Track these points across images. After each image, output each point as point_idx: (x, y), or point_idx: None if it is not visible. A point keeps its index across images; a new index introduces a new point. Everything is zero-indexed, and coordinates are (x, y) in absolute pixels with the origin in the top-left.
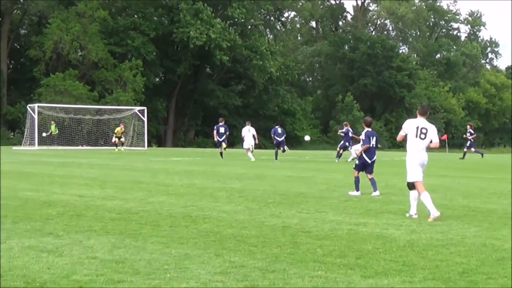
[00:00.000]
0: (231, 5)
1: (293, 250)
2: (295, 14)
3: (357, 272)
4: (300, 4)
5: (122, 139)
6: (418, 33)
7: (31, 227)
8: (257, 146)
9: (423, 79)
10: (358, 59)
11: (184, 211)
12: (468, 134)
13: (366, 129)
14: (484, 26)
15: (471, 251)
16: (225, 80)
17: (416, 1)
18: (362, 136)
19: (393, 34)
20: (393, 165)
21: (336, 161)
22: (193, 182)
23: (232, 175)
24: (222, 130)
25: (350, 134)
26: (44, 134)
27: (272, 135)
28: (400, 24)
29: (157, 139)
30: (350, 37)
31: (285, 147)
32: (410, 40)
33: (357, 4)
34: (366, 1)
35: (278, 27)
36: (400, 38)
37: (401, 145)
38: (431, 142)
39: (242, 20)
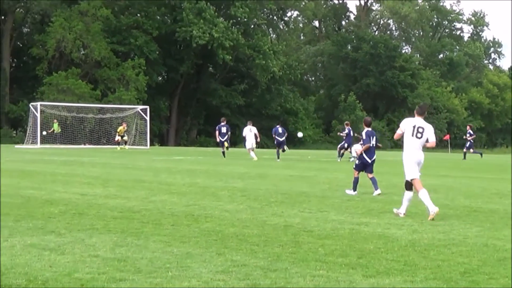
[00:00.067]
0: (234, 4)
1: (294, 249)
2: (298, 13)
3: (359, 271)
4: (303, 3)
5: (125, 138)
6: (421, 33)
7: (33, 225)
8: (259, 146)
9: (425, 79)
10: (361, 59)
11: (186, 210)
12: (467, 135)
13: (366, 128)
14: (487, 26)
15: (473, 251)
16: (228, 79)
17: (419, 1)
18: (363, 136)
19: (396, 34)
20: (395, 165)
21: (338, 160)
22: (195, 181)
23: (234, 174)
24: (224, 130)
25: (351, 134)
26: (44, 133)
27: (273, 135)
28: (403, 24)
29: (159, 138)
30: (353, 36)
31: (285, 147)
32: (413, 40)
33: (360, 3)
34: (369, 1)
35: (281, 27)
36: (403, 38)
37: (403, 145)
38: (427, 141)
39: (245, 20)
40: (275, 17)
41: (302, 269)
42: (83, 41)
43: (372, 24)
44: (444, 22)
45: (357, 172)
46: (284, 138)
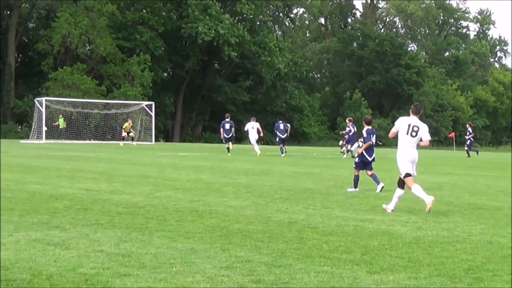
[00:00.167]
0: (240, 1)
1: (299, 245)
2: (304, 10)
3: (363, 268)
4: (309, 0)
5: (131, 134)
6: (427, 31)
7: (38, 220)
8: (264, 142)
9: (431, 77)
10: (367, 56)
11: (190, 206)
12: (467, 133)
13: (366, 127)
14: (493, 24)
15: (477, 248)
16: (233, 75)
17: None
18: (363, 134)
19: (402, 31)
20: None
21: (344, 157)
22: (200, 177)
23: (239, 171)
24: (227, 126)
25: (355, 130)
26: (45, 128)
27: (275, 130)
28: (409, 21)
29: (164, 134)
30: (358, 34)
31: (284, 149)
32: (419, 37)
33: (366, 1)
34: None
35: (287, 24)
36: (409, 36)
37: None
38: (421, 140)
39: (251, 16)
40: (281, 14)
41: (307, 265)
42: (88, 36)
43: (378, 21)
44: (450, 20)
45: (357, 170)
46: (286, 135)
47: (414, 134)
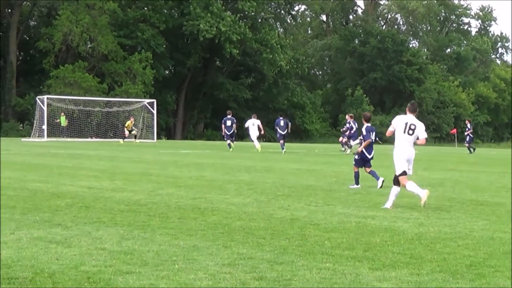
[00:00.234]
0: None
1: (301, 242)
2: (306, 7)
3: (365, 264)
4: None
5: (134, 132)
6: (429, 27)
7: (40, 218)
8: (266, 139)
9: (433, 74)
10: (368, 53)
11: (193, 203)
12: (466, 130)
13: (366, 124)
14: (495, 21)
15: (479, 244)
16: (235, 73)
17: None
18: (363, 132)
19: (404, 28)
20: None
21: (348, 152)
22: (202, 175)
23: (241, 168)
24: (228, 123)
25: (356, 126)
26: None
27: (275, 127)
28: (410, 18)
29: (166, 132)
30: (360, 31)
31: (283, 147)
32: (421, 34)
33: None
34: None
35: (289, 21)
36: (411, 33)
37: None
38: (417, 139)
39: (252, 13)
40: (282, 11)
41: (309, 262)
42: (90, 34)
43: (380, 18)
44: (451, 17)
45: (357, 167)
46: (286, 132)
47: (411, 132)
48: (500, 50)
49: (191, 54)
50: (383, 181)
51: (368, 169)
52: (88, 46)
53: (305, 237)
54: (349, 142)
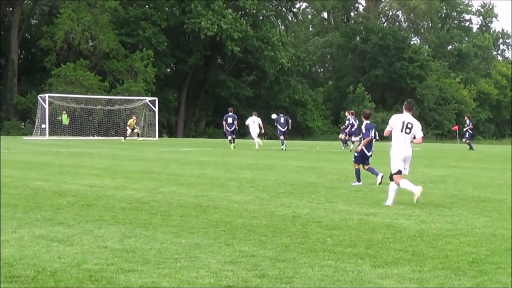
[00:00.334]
0: None
1: (303, 239)
2: (307, 5)
3: (367, 261)
4: None
5: (136, 130)
6: (430, 24)
7: (41, 217)
8: (268, 137)
9: (434, 71)
10: (370, 50)
11: (194, 201)
12: (466, 126)
13: (365, 121)
14: (496, 17)
15: (481, 241)
16: (236, 70)
17: None
18: (362, 130)
19: (405, 25)
20: None
21: (352, 147)
22: (204, 172)
23: (243, 165)
24: (230, 120)
25: (356, 123)
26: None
27: (275, 123)
28: (412, 15)
29: (168, 130)
30: (361, 28)
31: (283, 145)
32: (422, 31)
33: None
34: None
35: (290, 18)
36: (412, 30)
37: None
38: (414, 137)
39: (254, 11)
40: (283, 9)
41: (311, 259)
42: (91, 32)
43: (381, 15)
44: (453, 14)
45: (357, 164)
46: (286, 128)
47: (408, 131)
48: (501, 46)
49: (193, 52)
50: (382, 176)
51: (366, 167)
52: (90, 44)
53: (307, 235)
54: (351, 138)
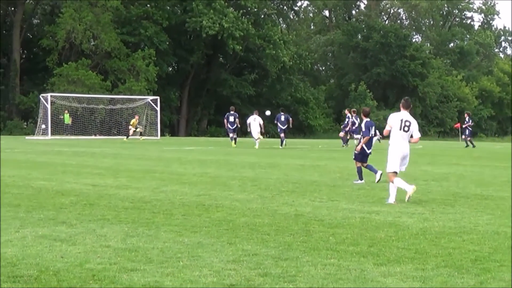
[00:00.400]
0: None
1: (306, 238)
2: (308, 3)
3: (370, 260)
4: None
5: (139, 129)
6: (432, 22)
7: (44, 216)
8: (270, 135)
9: (436, 68)
10: (371, 48)
11: (197, 200)
12: (465, 123)
13: (365, 119)
14: (497, 15)
15: (484, 239)
16: (238, 69)
17: None
18: (362, 128)
19: (407, 23)
20: None
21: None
22: (206, 171)
23: (245, 164)
24: (231, 118)
25: (356, 121)
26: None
27: (276, 122)
28: (413, 13)
29: (170, 129)
30: (363, 26)
31: (284, 141)
32: (424, 29)
33: None
34: None
35: (291, 16)
36: (414, 27)
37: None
38: (411, 137)
39: (255, 10)
40: (285, 7)
41: (313, 257)
42: (93, 32)
43: (383, 13)
44: (454, 11)
45: (358, 162)
46: (286, 126)
47: (406, 129)
48: (503, 44)
49: (194, 51)
50: (381, 174)
51: (365, 164)
52: (91, 43)
53: (309, 233)
54: (353, 136)
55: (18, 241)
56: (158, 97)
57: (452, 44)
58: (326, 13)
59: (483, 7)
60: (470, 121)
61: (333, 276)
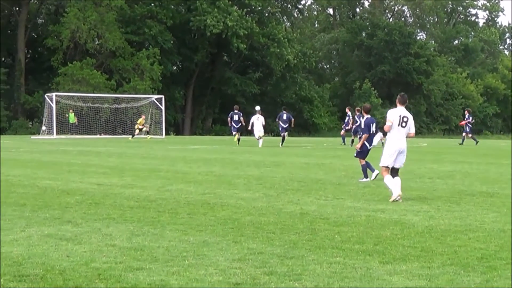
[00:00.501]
0: None
1: (311, 236)
2: (312, 1)
3: (375, 258)
4: None
5: (145, 128)
6: (436, 19)
7: (50, 216)
8: (275, 133)
9: (441, 66)
10: (376, 46)
11: (202, 199)
12: (465, 119)
13: (366, 116)
14: (502, 11)
15: (490, 237)
16: (243, 68)
17: None
18: (361, 125)
19: (411, 20)
20: (410, 152)
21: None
22: (211, 170)
23: (250, 163)
24: (236, 117)
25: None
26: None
27: (277, 120)
28: (417, 10)
29: (175, 127)
30: (367, 24)
31: (285, 134)
32: (428, 26)
33: None
34: None
35: (295, 15)
36: (418, 25)
37: (418, 131)
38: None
39: (259, 8)
40: (289, 5)
41: (319, 256)
42: (97, 31)
43: (387, 11)
44: (459, 8)
45: (362, 160)
46: (288, 125)
47: (404, 125)
48: (508, 41)
49: (199, 50)
50: (377, 174)
51: (363, 161)
52: (96, 43)
53: (315, 232)
54: (357, 135)
55: (24, 240)
56: (162, 96)
57: (456, 42)
58: (330, 11)
59: (488, 4)
60: (470, 118)
61: (338, 275)
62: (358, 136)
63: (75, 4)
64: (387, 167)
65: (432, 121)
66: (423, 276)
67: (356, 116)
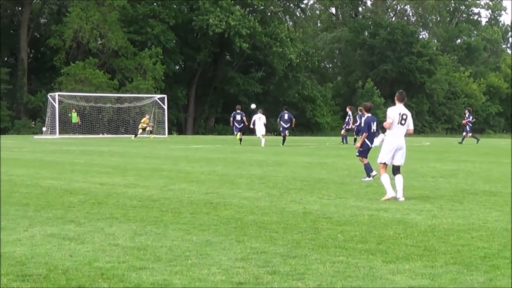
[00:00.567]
0: None
1: (314, 236)
2: (315, 0)
3: (378, 257)
4: None
5: (148, 128)
6: (438, 18)
7: (53, 215)
8: (277, 133)
9: (443, 65)
10: (378, 45)
11: (205, 198)
12: (465, 118)
13: (366, 115)
14: (504, 10)
15: (493, 236)
16: (245, 67)
17: None
18: (361, 124)
19: (413, 19)
20: (413, 151)
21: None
22: (214, 169)
23: (253, 162)
24: (238, 117)
25: (358, 121)
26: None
27: (278, 120)
28: (420, 9)
29: (177, 127)
30: (370, 23)
31: (286, 132)
32: (430, 25)
33: None
34: None
35: (298, 14)
36: (420, 24)
37: (421, 130)
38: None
39: (262, 7)
40: (291, 4)
41: (322, 255)
42: (100, 31)
43: (389, 10)
44: (461, 7)
45: (365, 159)
46: (289, 125)
47: (403, 122)
48: (510, 39)
49: (201, 49)
50: (375, 175)
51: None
52: (98, 42)
53: (317, 231)
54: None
55: (27, 240)
56: (165, 96)
57: (459, 40)
58: (333, 10)
59: (490, 3)
60: (470, 117)
61: (341, 274)
62: (360, 135)
63: (77, 3)
64: (384, 163)
65: (435, 120)
66: (426, 275)
67: (357, 116)
